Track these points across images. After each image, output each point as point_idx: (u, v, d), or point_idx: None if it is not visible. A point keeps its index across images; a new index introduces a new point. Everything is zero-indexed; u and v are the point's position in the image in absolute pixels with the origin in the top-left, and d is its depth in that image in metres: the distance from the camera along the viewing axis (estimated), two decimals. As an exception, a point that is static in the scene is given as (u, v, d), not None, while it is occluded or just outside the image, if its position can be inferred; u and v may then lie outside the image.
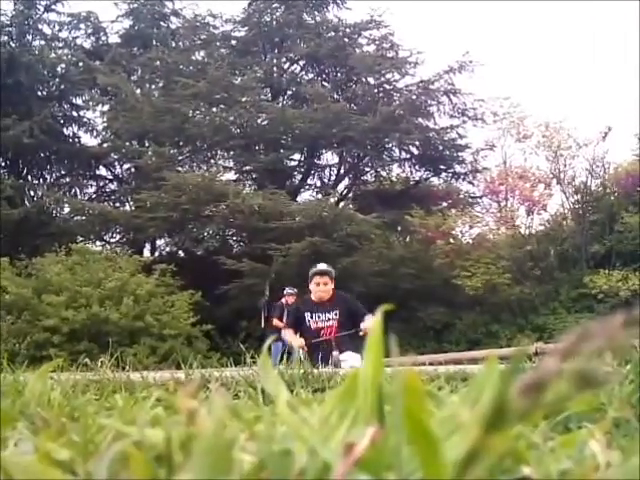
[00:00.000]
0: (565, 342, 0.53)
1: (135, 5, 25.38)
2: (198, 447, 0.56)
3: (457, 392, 1.40)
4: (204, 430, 0.59)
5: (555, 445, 0.80)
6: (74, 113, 25.06)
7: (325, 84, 24.52)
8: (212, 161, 24.02)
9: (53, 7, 24.78)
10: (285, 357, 2.95)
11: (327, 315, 6.71)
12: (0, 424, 0.85)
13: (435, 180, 24.81)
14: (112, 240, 24.18)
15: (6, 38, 23.82)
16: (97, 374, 2.43)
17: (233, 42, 25.23)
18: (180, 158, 23.56)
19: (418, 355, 10.22)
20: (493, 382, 0.64)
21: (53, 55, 24.58)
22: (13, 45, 23.66)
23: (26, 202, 22.89)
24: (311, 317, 6.76)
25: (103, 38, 26.04)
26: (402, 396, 0.55)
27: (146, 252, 22.93)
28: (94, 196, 25.07)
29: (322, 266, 7.17)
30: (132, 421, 0.80)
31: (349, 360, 6.14)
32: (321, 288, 6.78)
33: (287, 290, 13.57)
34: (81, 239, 21.91)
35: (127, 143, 23.24)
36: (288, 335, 6.74)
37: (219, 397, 0.64)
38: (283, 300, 13.48)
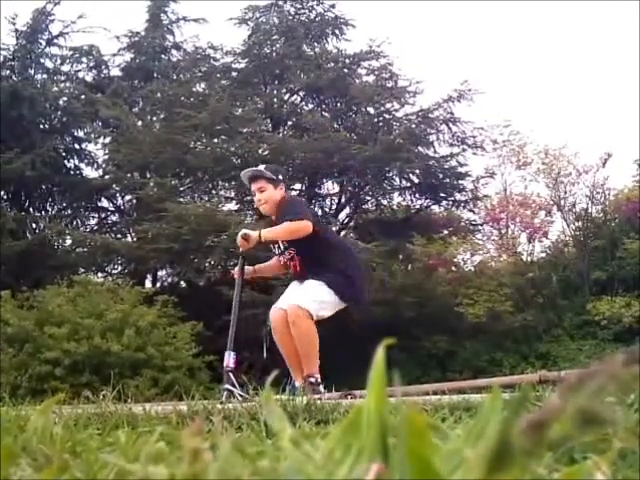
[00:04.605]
0: (569, 380, 0.53)
1: (136, 39, 25.60)
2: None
3: (461, 424, 1.39)
4: (209, 469, 0.58)
5: (560, 477, 0.79)
6: (76, 145, 25.13)
7: (325, 114, 24.62)
8: (214, 192, 24.07)
9: (55, 41, 24.98)
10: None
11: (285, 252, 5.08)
12: (0, 461, 0.84)
13: (436, 208, 24.83)
14: (114, 271, 24.12)
15: (9, 72, 24.03)
16: (99, 407, 2.41)
17: (234, 74, 25.40)
18: (182, 189, 23.59)
19: (421, 384, 10.16)
20: (497, 416, 0.63)
21: (55, 88, 24.73)
22: (16, 79, 23.83)
23: (28, 234, 22.90)
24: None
25: (105, 71, 26.21)
26: (406, 432, 0.55)
27: (148, 283, 22.86)
28: (96, 228, 25.06)
29: (250, 170, 5.14)
30: (135, 457, 0.80)
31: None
32: (257, 198, 4.96)
33: None
34: (83, 271, 21.89)
35: (128, 175, 23.29)
36: None
37: (225, 437, 0.64)
38: None
